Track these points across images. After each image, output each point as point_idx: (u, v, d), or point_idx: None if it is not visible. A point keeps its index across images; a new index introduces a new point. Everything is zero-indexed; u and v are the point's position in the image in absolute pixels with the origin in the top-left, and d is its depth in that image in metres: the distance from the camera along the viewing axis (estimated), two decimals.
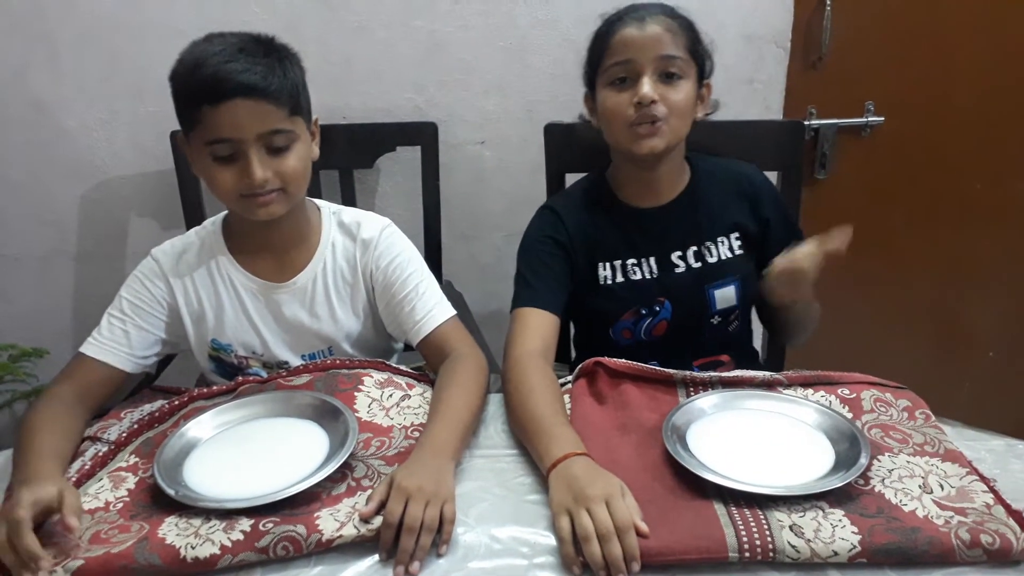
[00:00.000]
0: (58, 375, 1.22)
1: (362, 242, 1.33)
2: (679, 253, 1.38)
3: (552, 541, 0.97)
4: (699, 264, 1.38)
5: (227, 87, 1.12)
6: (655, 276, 1.38)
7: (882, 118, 1.93)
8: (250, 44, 1.17)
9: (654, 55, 1.23)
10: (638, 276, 1.38)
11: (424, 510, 0.95)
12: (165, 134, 1.69)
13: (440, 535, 0.96)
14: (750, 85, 1.87)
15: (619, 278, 1.38)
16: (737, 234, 1.39)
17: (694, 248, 1.38)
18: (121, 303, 1.27)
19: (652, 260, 1.38)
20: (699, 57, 1.29)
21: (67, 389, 1.19)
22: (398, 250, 1.33)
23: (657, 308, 1.38)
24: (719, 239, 1.38)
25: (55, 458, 1.07)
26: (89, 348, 1.23)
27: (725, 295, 1.38)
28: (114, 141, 1.79)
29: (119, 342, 1.24)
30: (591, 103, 1.35)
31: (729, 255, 1.39)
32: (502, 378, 1.25)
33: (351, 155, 1.75)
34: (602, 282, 1.39)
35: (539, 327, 1.29)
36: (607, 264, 1.39)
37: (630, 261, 1.38)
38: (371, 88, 1.81)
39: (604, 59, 1.27)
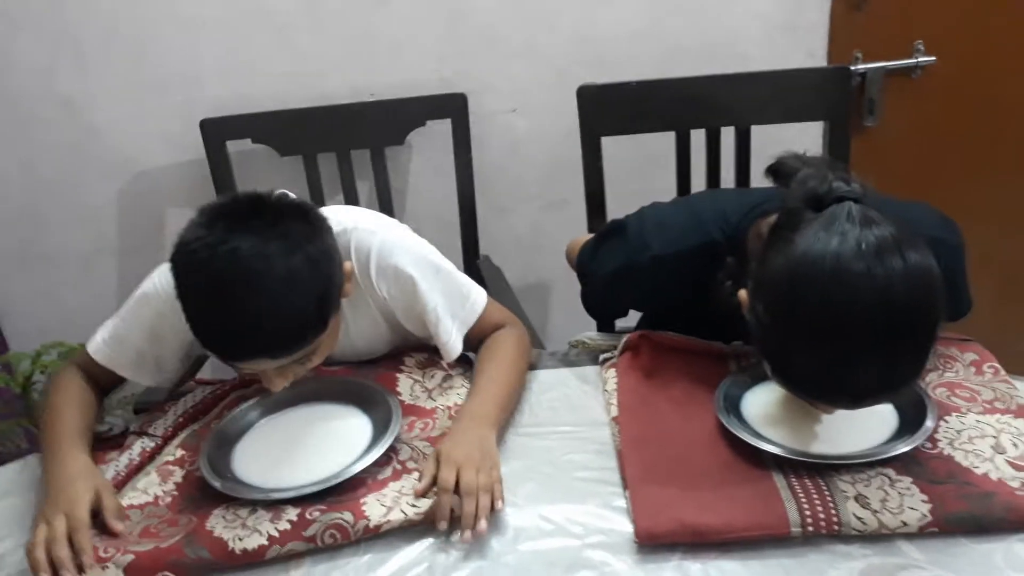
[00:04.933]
0: (78, 353, 1.19)
1: (359, 263, 1.13)
2: None
3: (605, 520, 0.95)
4: None
5: (246, 357, 0.97)
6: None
7: (933, 58, 1.82)
8: (277, 289, 0.92)
9: None
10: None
11: (476, 476, 0.96)
12: (194, 123, 1.68)
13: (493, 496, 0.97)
14: (792, 32, 1.78)
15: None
16: None
17: None
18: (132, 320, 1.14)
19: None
20: None
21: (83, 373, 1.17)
22: (395, 273, 1.13)
23: None
24: None
25: (80, 432, 1.07)
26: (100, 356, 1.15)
27: None
28: (144, 134, 1.79)
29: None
30: (743, 298, 0.95)
31: None
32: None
33: (381, 133, 1.72)
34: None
35: None
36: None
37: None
38: (396, 62, 1.77)
39: (796, 393, 0.93)
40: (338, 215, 1.13)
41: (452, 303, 1.17)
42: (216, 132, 1.69)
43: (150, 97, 1.75)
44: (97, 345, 1.15)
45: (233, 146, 1.71)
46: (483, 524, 0.93)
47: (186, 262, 0.94)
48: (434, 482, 0.97)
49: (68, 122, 1.76)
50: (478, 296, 1.21)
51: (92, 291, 1.91)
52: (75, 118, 1.76)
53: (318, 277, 0.95)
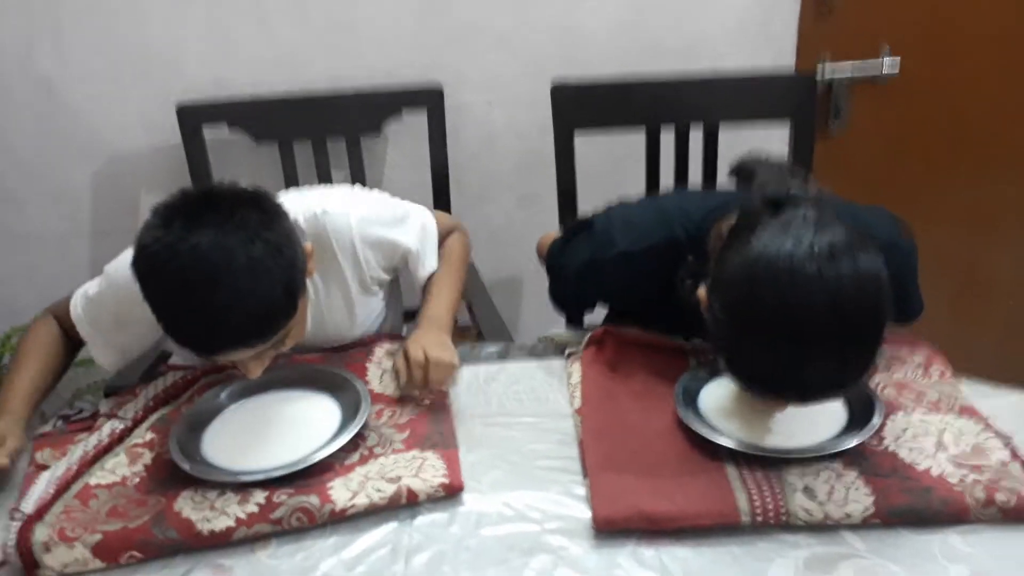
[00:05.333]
0: (61, 304, 1.22)
1: (339, 238, 1.20)
2: None
3: (565, 507, 0.98)
4: None
5: (221, 350, 0.98)
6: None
7: (898, 64, 1.86)
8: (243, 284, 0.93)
9: None
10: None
11: (439, 356, 1.14)
12: (172, 107, 1.68)
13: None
14: (761, 34, 1.82)
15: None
16: None
17: None
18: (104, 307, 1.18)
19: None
20: None
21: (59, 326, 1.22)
22: (379, 242, 1.24)
23: None
24: None
25: (28, 395, 1.13)
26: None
27: None
28: (122, 117, 1.79)
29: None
30: (702, 296, 0.98)
31: None
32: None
33: (356, 122, 1.73)
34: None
35: None
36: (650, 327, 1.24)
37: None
38: (375, 52, 1.78)
39: (748, 388, 0.96)
40: (305, 201, 1.18)
41: (421, 240, 1.31)
42: (192, 117, 1.69)
43: (129, 80, 1.75)
44: (78, 316, 1.19)
45: (209, 131, 1.71)
46: (447, 383, 1.15)
47: (148, 265, 0.94)
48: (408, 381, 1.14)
49: (45, 103, 1.75)
50: (430, 221, 1.34)
51: (66, 273, 1.90)
52: (53, 99, 1.75)
53: (281, 262, 0.97)
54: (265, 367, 1.06)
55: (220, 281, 0.92)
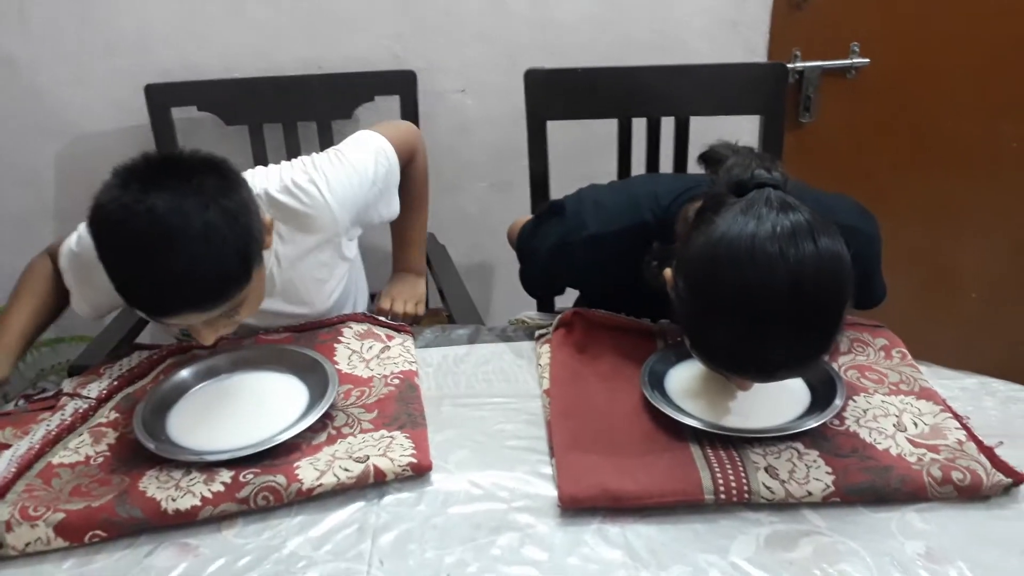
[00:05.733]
0: (57, 246, 1.25)
1: (313, 205, 1.22)
2: None
3: (531, 486, 0.98)
4: None
5: (172, 313, 0.99)
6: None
7: (867, 60, 1.90)
8: (196, 250, 0.94)
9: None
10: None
11: (405, 303, 1.46)
12: (139, 88, 1.66)
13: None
14: (734, 27, 1.84)
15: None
16: None
17: None
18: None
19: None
20: None
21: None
22: (349, 203, 1.26)
23: None
24: None
25: (22, 331, 1.18)
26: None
27: None
28: (88, 97, 1.76)
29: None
30: (668, 276, 0.99)
31: None
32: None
33: (328, 106, 1.72)
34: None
35: None
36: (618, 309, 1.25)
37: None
38: (348, 37, 1.77)
39: (711, 365, 0.97)
40: (272, 174, 1.22)
41: (389, 193, 1.36)
42: (161, 98, 1.67)
43: (95, 60, 1.72)
44: (63, 267, 1.22)
45: (178, 113, 1.69)
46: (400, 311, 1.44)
47: (104, 224, 0.95)
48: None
49: (8, 82, 1.72)
50: (393, 163, 1.34)
51: (29, 254, 1.86)
52: (16, 78, 1.72)
53: (237, 230, 0.97)
54: (219, 335, 1.06)
55: (174, 244, 0.93)
